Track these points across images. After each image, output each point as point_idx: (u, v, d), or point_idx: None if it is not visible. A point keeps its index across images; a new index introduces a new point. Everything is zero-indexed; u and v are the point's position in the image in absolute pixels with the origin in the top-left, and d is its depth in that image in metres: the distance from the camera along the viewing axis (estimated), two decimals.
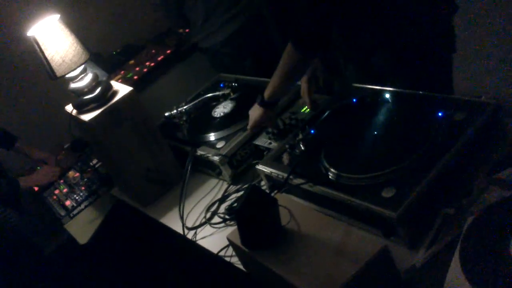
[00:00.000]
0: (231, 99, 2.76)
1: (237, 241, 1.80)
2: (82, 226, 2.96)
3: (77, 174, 3.35)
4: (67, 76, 2.42)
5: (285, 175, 1.99)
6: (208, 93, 2.88)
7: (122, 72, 3.91)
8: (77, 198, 3.14)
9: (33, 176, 3.39)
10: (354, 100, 2.19)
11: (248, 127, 2.37)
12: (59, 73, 2.37)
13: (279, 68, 2.16)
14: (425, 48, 2.29)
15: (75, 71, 2.42)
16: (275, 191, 2.05)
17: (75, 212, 3.08)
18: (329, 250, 1.60)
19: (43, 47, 2.33)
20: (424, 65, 2.27)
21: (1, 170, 3.34)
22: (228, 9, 3.47)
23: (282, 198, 1.87)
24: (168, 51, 3.95)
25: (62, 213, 3.11)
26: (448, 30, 2.33)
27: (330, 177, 1.85)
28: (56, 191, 3.31)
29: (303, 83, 2.41)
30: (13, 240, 3.21)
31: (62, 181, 3.37)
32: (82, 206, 3.10)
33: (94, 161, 3.30)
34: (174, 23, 4.04)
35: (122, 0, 4.41)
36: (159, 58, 3.91)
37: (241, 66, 3.50)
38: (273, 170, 2.07)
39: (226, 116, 2.66)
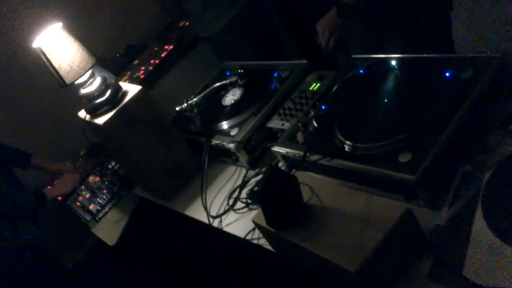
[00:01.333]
0: (239, 86, 2.79)
1: (263, 223, 1.83)
2: (109, 228, 3.01)
3: (97, 178, 3.39)
4: (76, 82, 2.45)
5: (302, 153, 2.01)
6: (215, 83, 2.91)
7: (128, 73, 3.94)
8: (100, 201, 3.19)
9: (56, 187, 3.42)
10: (361, 70, 2.21)
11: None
12: (68, 80, 2.40)
13: None
14: (422, 8, 2.33)
15: (83, 76, 2.45)
16: (294, 170, 2.07)
17: (100, 215, 3.13)
18: (354, 220, 1.63)
19: (49, 57, 2.36)
20: (422, 26, 2.30)
21: (17, 184, 3.37)
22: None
23: (301, 176, 1.90)
24: (171, 47, 3.97)
25: (88, 218, 3.16)
26: None
27: (346, 149, 1.88)
28: (79, 198, 3.36)
29: (319, 27, 2.48)
30: (28, 256, 3.21)
31: (83, 187, 3.42)
32: (106, 208, 3.15)
33: (112, 164, 3.33)
34: (173, 16, 4.06)
35: (120, 2, 4.42)
36: (163, 55, 3.94)
37: (244, 51, 3.53)
38: (289, 150, 2.10)
39: (236, 103, 2.69)
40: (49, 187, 3.50)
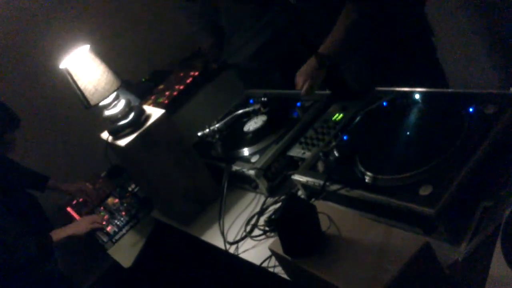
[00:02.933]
0: (262, 114, 2.80)
1: (280, 250, 1.82)
2: (125, 250, 3.01)
3: (116, 200, 3.41)
4: (100, 104, 2.48)
5: (322, 182, 2.01)
6: (238, 110, 2.92)
7: (153, 97, 3.97)
8: (118, 223, 3.20)
9: (70, 226, 3.21)
10: (385, 103, 2.21)
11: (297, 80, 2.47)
12: (93, 102, 2.43)
13: (335, 28, 2.36)
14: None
15: (108, 98, 2.48)
16: (313, 199, 2.07)
17: (117, 237, 3.14)
18: (371, 251, 1.61)
19: (75, 78, 2.40)
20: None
21: (36, 216, 3.33)
22: (252, 24, 3.53)
23: (320, 205, 1.89)
24: (196, 73, 4.00)
25: (105, 239, 3.16)
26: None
27: (366, 180, 1.87)
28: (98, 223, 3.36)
29: (298, 76, 2.54)
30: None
31: (102, 208, 3.43)
32: (124, 230, 3.16)
33: (132, 186, 3.35)
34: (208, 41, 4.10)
35: (147, 28, 4.49)
36: (188, 81, 3.97)
37: (269, 80, 3.55)
38: (309, 179, 2.09)
39: (258, 130, 2.70)
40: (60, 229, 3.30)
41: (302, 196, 2.20)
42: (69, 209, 3.69)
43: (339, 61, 2.53)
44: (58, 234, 3.09)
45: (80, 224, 3.21)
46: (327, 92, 2.62)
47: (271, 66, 3.59)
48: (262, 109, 2.81)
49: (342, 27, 2.37)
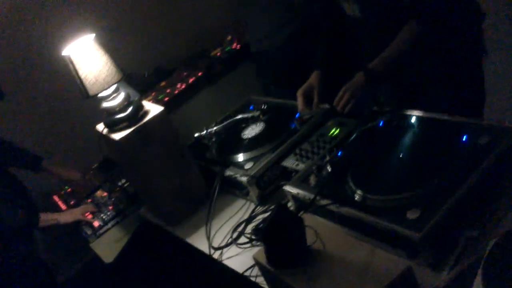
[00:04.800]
0: (260, 121, 2.80)
1: (263, 260, 1.81)
2: (108, 245, 2.98)
3: (105, 193, 3.38)
4: (99, 95, 2.47)
5: (312, 196, 2.00)
6: (238, 115, 2.92)
7: (153, 93, 3.97)
8: (104, 217, 3.17)
9: (62, 214, 3.27)
10: (381, 123, 2.21)
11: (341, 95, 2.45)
12: (92, 92, 2.42)
13: (393, 44, 2.33)
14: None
15: (107, 90, 2.47)
16: (302, 212, 2.06)
17: (101, 231, 3.11)
18: (354, 270, 1.61)
19: (77, 67, 2.39)
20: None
21: (23, 198, 3.32)
22: (282, 15, 3.41)
23: (308, 219, 1.88)
24: (199, 73, 4.00)
25: (89, 232, 3.13)
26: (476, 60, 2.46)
27: (356, 198, 1.86)
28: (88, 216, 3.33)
29: (299, 96, 2.58)
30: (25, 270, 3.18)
31: (90, 200, 3.41)
32: (109, 225, 3.12)
33: (123, 181, 3.33)
34: (206, 44, 4.04)
35: (156, 23, 4.48)
36: (190, 80, 3.97)
37: (287, 77, 3.47)
38: (300, 191, 2.09)
39: (255, 137, 2.70)
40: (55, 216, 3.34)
41: (292, 208, 2.19)
42: (55, 197, 3.66)
43: (386, 80, 2.48)
44: (46, 216, 3.11)
45: (72, 212, 3.22)
46: (327, 106, 2.61)
47: (294, 63, 3.49)
48: (261, 116, 2.81)
49: (400, 44, 2.33)
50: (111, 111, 2.52)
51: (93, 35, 2.47)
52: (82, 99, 2.48)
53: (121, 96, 2.54)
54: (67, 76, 2.47)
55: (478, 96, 2.53)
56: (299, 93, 2.61)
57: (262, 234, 2.05)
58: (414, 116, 2.13)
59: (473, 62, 2.50)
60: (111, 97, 2.52)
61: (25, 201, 3.17)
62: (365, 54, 2.58)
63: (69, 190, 3.65)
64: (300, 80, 3.35)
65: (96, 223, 3.15)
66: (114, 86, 2.49)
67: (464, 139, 1.86)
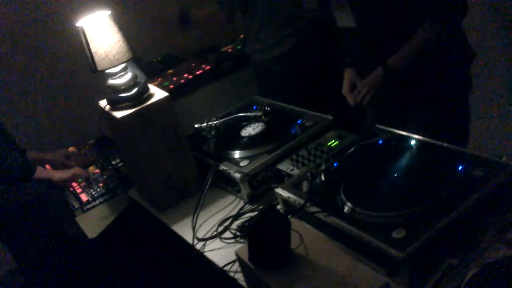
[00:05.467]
0: (262, 122, 2.81)
1: (245, 257, 1.82)
2: (93, 221, 2.98)
3: (98, 170, 3.39)
4: (107, 71, 2.48)
5: (302, 201, 2.02)
6: (240, 113, 2.94)
7: (160, 79, 3.98)
8: (93, 193, 3.18)
9: (58, 171, 3.30)
10: (380, 141, 2.23)
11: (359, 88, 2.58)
12: (100, 67, 2.43)
13: (412, 41, 2.41)
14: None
15: (116, 67, 2.48)
16: (289, 216, 2.07)
17: (89, 206, 3.11)
18: (333, 279, 1.63)
19: (89, 39, 2.40)
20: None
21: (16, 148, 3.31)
22: (286, 25, 3.55)
23: (295, 223, 1.90)
24: (207, 67, 4.02)
25: (76, 205, 3.14)
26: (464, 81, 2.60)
27: (345, 210, 1.87)
28: (74, 184, 3.35)
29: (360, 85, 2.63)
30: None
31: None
32: (97, 202, 3.13)
33: (117, 160, 3.34)
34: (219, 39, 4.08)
35: (173, 12, 4.48)
36: (197, 72, 3.98)
37: (286, 87, 3.56)
38: (291, 195, 2.10)
39: (254, 137, 2.71)
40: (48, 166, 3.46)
41: (281, 211, 2.21)
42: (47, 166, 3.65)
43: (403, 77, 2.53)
44: (41, 171, 3.17)
45: (64, 172, 3.26)
46: (329, 116, 2.63)
47: (292, 74, 3.60)
48: (263, 117, 2.82)
49: (418, 43, 2.42)
50: (116, 89, 2.53)
51: (109, 11, 2.48)
52: (89, 73, 2.49)
53: (128, 75, 2.55)
54: (75, 47, 2.48)
55: (462, 124, 2.64)
56: (346, 87, 2.71)
57: (248, 231, 2.06)
58: (414, 139, 2.14)
59: (460, 94, 2.61)
60: (118, 75, 2.53)
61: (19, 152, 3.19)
62: (359, 64, 2.69)
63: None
64: (296, 92, 3.43)
65: (84, 197, 3.16)
66: (123, 65, 2.51)
67: (459, 168, 1.88)
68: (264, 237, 1.74)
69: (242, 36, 4.04)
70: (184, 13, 3.80)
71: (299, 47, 3.59)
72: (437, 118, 2.56)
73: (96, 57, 2.41)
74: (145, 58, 4.26)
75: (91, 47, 2.40)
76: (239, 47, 4.16)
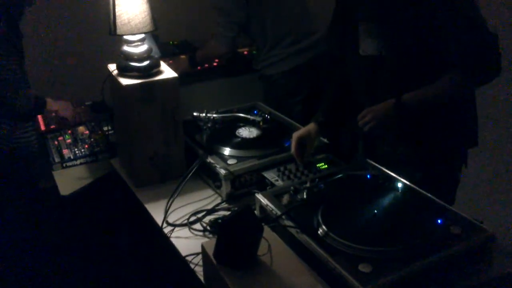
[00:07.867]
0: (258, 128, 2.83)
1: (210, 252, 1.83)
2: (69, 179, 2.96)
3: (87, 132, 3.38)
4: (125, 37, 2.49)
5: (279, 213, 2.03)
6: (241, 113, 2.95)
7: (171, 62, 3.98)
8: (77, 152, 3.16)
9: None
10: (368, 175, 2.25)
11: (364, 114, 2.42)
12: (119, 31, 2.45)
13: (433, 85, 2.31)
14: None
15: (134, 36, 2.49)
16: (263, 224, 2.08)
17: (69, 164, 3.10)
18: None
19: (116, 2, 2.41)
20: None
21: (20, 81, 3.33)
22: (297, 42, 3.58)
23: (267, 233, 1.91)
24: (218, 62, 4.04)
25: (57, 159, 3.12)
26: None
27: (319, 232, 1.88)
28: (60, 138, 3.33)
29: (294, 140, 2.53)
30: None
31: (70, 131, 3.40)
32: (78, 162, 3.11)
33: (108, 128, 3.33)
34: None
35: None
36: (206, 65, 4.00)
37: (291, 102, 3.60)
38: (270, 204, 2.10)
39: (247, 139, 2.73)
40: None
41: None
42: (39, 116, 3.64)
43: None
44: (50, 103, 3.28)
45: (67, 109, 3.42)
46: (325, 140, 2.64)
47: (299, 89, 3.63)
48: (261, 123, 2.84)
49: (438, 89, 2.31)
50: (129, 57, 2.54)
51: None
52: (106, 34, 2.51)
53: (144, 47, 2.56)
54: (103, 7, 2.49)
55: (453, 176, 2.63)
56: (295, 137, 2.54)
57: (221, 225, 2.07)
58: (402, 182, 2.16)
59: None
60: (134, 44, 2.54)
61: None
62: (375, 93, 2.53)
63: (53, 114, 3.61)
64: (303, 107, 3.45)
65: (67, 153, 3.14)
66: (142, 35, 2.52)
67: (438, 222, 1.90)
68: (235, 236, 1.75)
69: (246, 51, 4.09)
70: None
71: (313, 61, 3.62)
72: (428, 169, 2.55)
73: (118, 21, 2.42)
74: (162, 39, 4.26)
75: (117, 10, 2.41)
76: (254, 52, 4.17)
